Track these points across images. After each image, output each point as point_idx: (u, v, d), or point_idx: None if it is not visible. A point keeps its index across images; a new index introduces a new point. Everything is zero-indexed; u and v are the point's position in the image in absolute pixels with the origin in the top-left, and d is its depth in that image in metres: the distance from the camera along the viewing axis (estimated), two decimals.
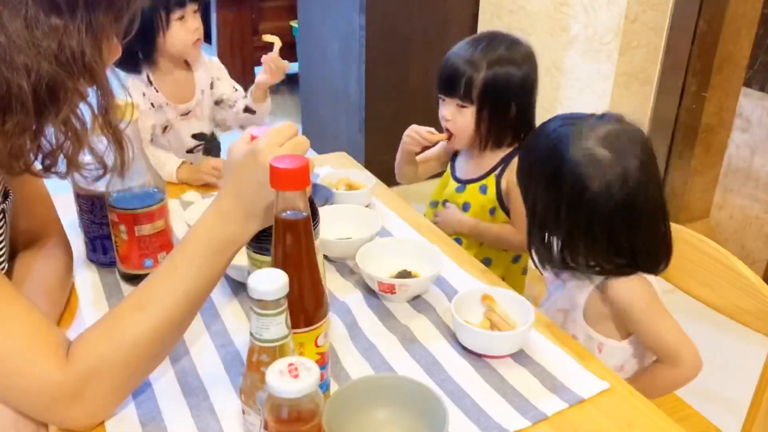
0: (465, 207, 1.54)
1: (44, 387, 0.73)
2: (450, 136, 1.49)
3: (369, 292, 1.08)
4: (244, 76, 3.98)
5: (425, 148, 1.60)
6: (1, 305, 0.74)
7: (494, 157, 1.50)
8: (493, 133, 1.46)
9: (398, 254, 1.12)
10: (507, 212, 1.50)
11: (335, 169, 1.47)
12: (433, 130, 1.53)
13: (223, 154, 1.86)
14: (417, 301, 1.06)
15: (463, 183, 1.55)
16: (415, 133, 1.53)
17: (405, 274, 1.08)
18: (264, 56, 1.66)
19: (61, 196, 1.15)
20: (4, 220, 0.90)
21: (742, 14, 2.36)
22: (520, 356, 0.93)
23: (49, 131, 0.75)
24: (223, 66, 1.75)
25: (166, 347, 0.82)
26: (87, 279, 1.09)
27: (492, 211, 1.51)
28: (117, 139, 0.82)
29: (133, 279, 1.06)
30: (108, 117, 0.79)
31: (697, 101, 2.51)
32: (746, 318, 1.12)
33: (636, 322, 1.06)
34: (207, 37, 3.94)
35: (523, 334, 0.93)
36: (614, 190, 0.99)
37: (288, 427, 0.63)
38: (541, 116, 2.80)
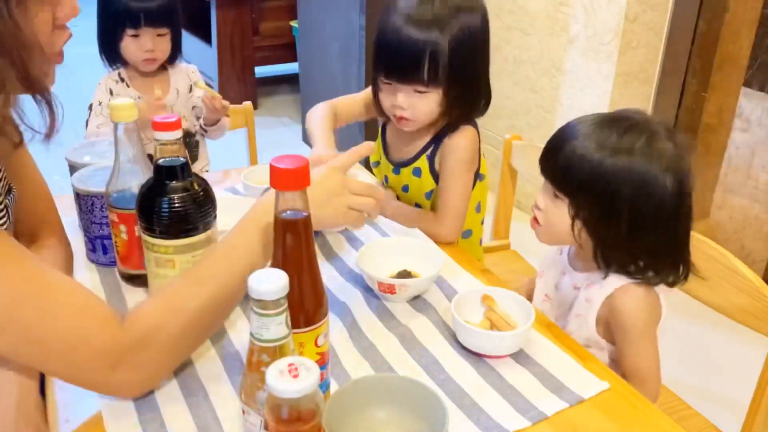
0: (405, 188, 1.38)
1: (100, 353, 0.75)
2: (401, 120, 1.26)
3: (369, 292, 1.08)
4: (244, 76, 3.98)
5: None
6: (53, 283, 0.75)
7: (423, 135, 1.31)
8: (466, 109, 1.26)
9: (398, 254, 1.12)
10: None
11: None
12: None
13: (203, 157, 1.91)
14: (417, 301, 1.06)
15: (397, 166, 1.37)
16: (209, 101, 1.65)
17: (405, 274, 1.08)
18: (203, 98, 1.77)
19: (61, 196, 1.15)
20: (7, 215, 0.90)
21: (742, 14, 2.37)
22: (520, 356, 0.93)
23: None
24: (199, 75, 1.86)
25: (220, 319, 0.87)
26: (87, 279, 1.09)
27: (429, 195, 1.35)
28: (43, 98, 0.78)
29: (133, 279, 1.06)
30: (30, 78, 0.74)
31: (697, 101, 2.51)
32: (746, 318, 1.12)
33: (625, 333, 1.03)
34: (207, 38, 3.94)
35: (523, 334, 0.93)
36: (682, 189, 0.99)
37: (288, 427, 0.63)
38: (541, 116, 2.82)
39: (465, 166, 1.29)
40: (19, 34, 0.71)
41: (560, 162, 1.03)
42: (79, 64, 2.30)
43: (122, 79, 1.76)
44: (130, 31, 1.66)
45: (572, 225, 1.03)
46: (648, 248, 1.01)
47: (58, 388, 0.85)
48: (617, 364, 1.06)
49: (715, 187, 2.61)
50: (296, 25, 3.70)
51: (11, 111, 0.77)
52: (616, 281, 1.03)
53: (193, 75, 1.85)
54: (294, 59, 3.95)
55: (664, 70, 2.44)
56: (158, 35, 1.69)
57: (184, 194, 0.90)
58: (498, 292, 1.01)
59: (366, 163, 1.44)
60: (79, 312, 0.75)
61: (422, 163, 1.33)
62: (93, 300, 0.78)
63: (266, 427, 0.64)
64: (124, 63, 1.75)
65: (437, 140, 1.30)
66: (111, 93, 1.75)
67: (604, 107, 2.40)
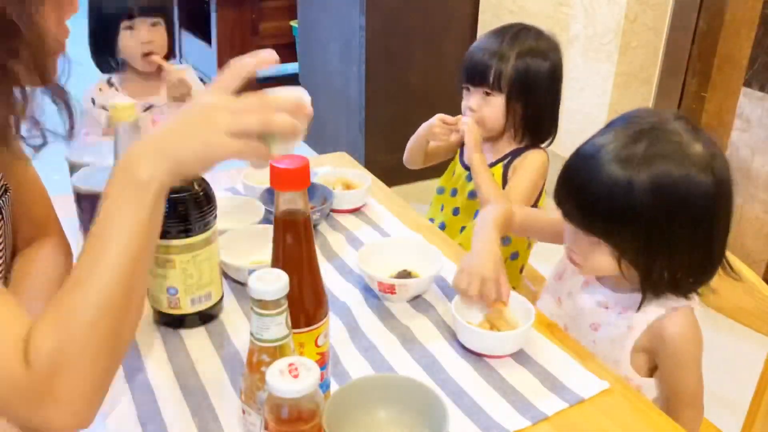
0: (472, 195, 1.52)
1: (13, 391, 0.65)
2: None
3: (369, 292, 1.08)
4: None
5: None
6: None
7: (502, 149, 1.51)
8: (526, 122, 1.46)
9: (398, 254, 1.12)
10: None
11: (334, 168, 1.47)
12: (452, 119, 1.51)
13: None
14: (417, 301, 1.06)
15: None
16: (444, 122, 1.50)
17: (405, 274, 1.08)
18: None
19: (61, 196, 1.15)
20: (1, 216, 0.90)
21: (742, 14, 2.36)
22: (520, 356, 0.93)
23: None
24: (194, 75, 1.81)
25: (122, 321, 0.69)
26: None
27: None
28: (62, 99, 0.77)
29: None
30: (48, 78, 0.73)
31: (697, 101, 2.51)
32: (746, 318, 1.12)
33: (675, 358, 0.98)
34: (206, 38, 3.94)
35: (523, 334, 0.93)
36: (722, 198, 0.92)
37: (288, 427, 0.63)
38: None
39: (533, 177, 1.45)
40: (41, 38, 0.71)
41: (586, 202, 0.93)
42: (80, 64, 2.29)
43: (111, 84, 1.77)
44: (124, 24, 1.67)
45: (619, 266, 0.95)
46: (689, 262, 0.94)
47: None
48: (664, 390, 1.02)
49: None
50: (296, 25, 3.70)
51: (28, 118, 0.75)
52: (658, 308, 0.98)
53: (189, 75, 1.81)
54: (294, 59, 3.95)
55: (664, 70, 2.44)
56: (153, 25, 1.69)
57: (184, 194, 0.90)
58: None
59: (366, 163, 1.44)
60: None
61: (497, 170, 1.50)
62: (4, 326, 0.66)
63: (266, 427, 0.64)
64: (119, 67, 1.76)
65: (513, 155, 1.50)
66: (93, 102, 1.76)
67: (604, 107, 2.40)
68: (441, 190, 1.63)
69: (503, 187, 1.48)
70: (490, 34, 1.47)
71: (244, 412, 0.72)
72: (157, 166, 0.67)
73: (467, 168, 1.53)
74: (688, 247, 0.93)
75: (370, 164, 1.64)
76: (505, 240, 1.49)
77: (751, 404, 1.12)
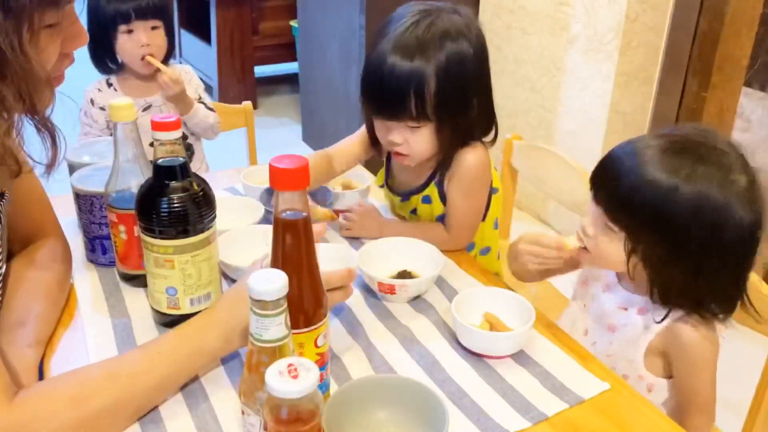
0: (413, 212, 1.32)
1: None
2: (398, 155, 1.20)
3: (369, 292, 1.08)
4: (243, 76, 3.98)
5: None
6: None
7: (429, 163, 1.24)
8: (458, 139, 1.18)
9: (398, 254, 1.12)
10: None
11: None
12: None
13: (197, 160, 1.89)
14: (417, 301, 1.06)
15: (405, 195, 1.31)
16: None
17: (405, 275, 1.08)
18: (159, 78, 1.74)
19: (61, 196, 1.15)
20: None
21: (742, 14, 2.36)
22: (520, 356, 0.93)
23: None
24: (193, 74, 1.86)
25: (123, 421, 0.78)
26: (86, 279, 1.09)
27: (440, 218, 1.28)
28: (47, 131, 0.78)
29: (133, 279, 1.06)
30: (34, 107, 0.75)
31: (697, 101, 2.51)
32: (746, 318, 1.12)
33: (692, 365, 0.97)
34: (206, 38, 3.94)
35: (523, 335, 0.93)
36: (746, 222, 0.90)
37: (288, 427, 0.63)
38: (541, 116, 2.82)
39: (477, 183, 1.23)
40: (29, 67, 0.72)
41: (619, 190, 0.92)
42: (80, 64, 2.29)
43: (110, 85, 1.77)
44: (122, 28, 1.66)
45: (627, 259, 0.95)
46: (711, 286, 0.93)
47: None
48: (677, 394, 1.02)
49: None
50: (296, 25, 3.70)
51: (12, 141, 0.76)
52: (675, 311, 0.97)
53: (186, 75, 1.83)
54: (294, 59, 3.95)
55: (664, 70, 2.44)
56: (152, 28, 1.69)
57: (184, 194, 0.90)
58: (498, 293, 1.01)
59: (366, 163, 1.42)
60: None
61: (431, 190, 1.26)
62: None
63: (266, 428, 0.63)
64: (118, 69, 1.76)
65: (443, 166, 1.23)
66: (92, 103, 1.75)
67: (604, 107, 2.40)
68: (384, 208, 1.39)
69: (444, 202, 1.25)
70: (393, 38, 1.14)
71: (243, 412, 0.72)
72: (221, 345, 0.84)
73: (398, 194, 1.33)
74: (711, 272, 0.92)
75: (370, 164, 1.64)
76: (468, 247, 1.30)
77: (752, 404, 1.12)
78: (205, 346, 0.83)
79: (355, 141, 1.33)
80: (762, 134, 2.40)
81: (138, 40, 1.68)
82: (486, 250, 1.38)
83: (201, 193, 0.92)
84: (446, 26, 1.12)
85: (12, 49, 0.69)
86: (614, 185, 0.94)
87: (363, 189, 1.36)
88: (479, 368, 0.91)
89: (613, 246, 0.96)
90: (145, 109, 1.75)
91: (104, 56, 1.73)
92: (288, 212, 0.71)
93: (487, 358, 0.93)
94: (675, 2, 2.33)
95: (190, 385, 0.86)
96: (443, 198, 1.25)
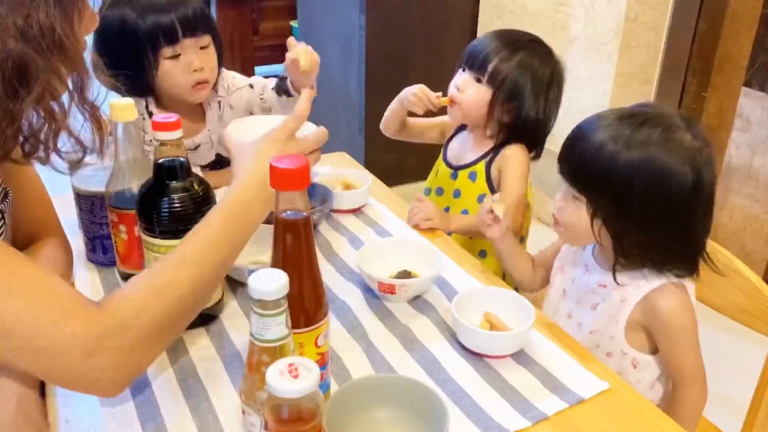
0: (456, 194, 1.50)
1: (72, 338, 0.69)
2: (452, 104, 1.44)
3: (369, 292, 1.08)
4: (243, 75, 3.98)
5: (427, 114, 1.54)
6: (18, 271, 0.70)
7: (483, 145, 1.47)
8: (508, 128, 1.42)
9: (398, 254, 1.12)
10: None
11: (334, 168, 1.47)
12: (440, 94, 1.46)
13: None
14: (417, 301, 1.06)
15: (455, 169, 1.51)
16: (423, 94, 1.46)
17: (405, 275, 1.08)
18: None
19: (61, 196, 1.15)
20: (3, 220, 0.90)
21: (742, 14, 2.36)
22: (520, 356, 0.93)
23: (29, 115, 0.73)
24: (236, 75, 1.49)
25: (199, 305, 0.83)
26: (87, 279, 1.09)
27: (481, 198, 1.47)
28: (95, 117, 0.80)
29: None
30: (84, 94, 0.77)
31: (697, 101, 2.51)
32: (746, 318, 1.12)
33: (672, 333, 1.01)
34: None
35: (523, 335, 0.93)
36: (705, 177, 0.97)
37: (288, 427, 0.63)
38: None
39: (520, 170, 1.43)
40: (81, 52, 0.74)
41: (575, 159, 1.02)
42: None
43: (150, 114, 1.38)
44: (167, 52, 1.29)
45: (591, 224, 1.02)
46: (662, 243, 0.99)
47: (58, 389, 0.85)
48: (665, 367, 1.05)
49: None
50: (296, 25, 3.70)
51: (66, 132, 0.78)
52: (652, 283, 1.01)
53: (230, 89, 1.46)
54: None
55: (664, 70, 2.44)
56: (201, 48, 1.32)
57: (184, 194, 0.90)
58: (498, 292, 1.01)
59: (366, 163, 1.43)
60: (46, 297, 0.70)
61: (480, 167, 1.46)
62: (63, 288, 0.73)
63: (266, 428, 0.64)
64: (153, 95, 1.39)
65: (495, 151, 1.45)
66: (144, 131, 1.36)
67: (604, 107, 2.40)
68: (427, 191, 1.59)
69: (489, 186, 1.46)
70: (502, 35, 1.44)
71: (244, 412, 0.72)
72: (263, 212, 0.86)
73: (451, 166, 1.53)
74: (661, 228, 0.98)
75: (370, 164, 1.64)
76: (480, 253, 1.49)
77: (751, 404, 1.12)
78: (252, 216, 0.85)
79: (432, 119, 1.62)
80: (762, 134, 2.40)
81: (189, 65, 1.31)
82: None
83: (201, 193, 0.92)
84: (536, 65, 1.43)
85: (66, 36, 0.71)
86: (573, 153, 1.03)
87: (363, 189, 1.36)
88: (479, 368, 0.91)
89: (580, 214, 1.03)
90: (193, 149, 1.44)
91: (137, 86, 1.33)
92: (288, 212, 0.71)
93: (487, 357, 0.93)
94: (675, 2, 2.33)
95: (190, 385, 0.86)
96: (488, 178, 1.45)
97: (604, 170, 0.97)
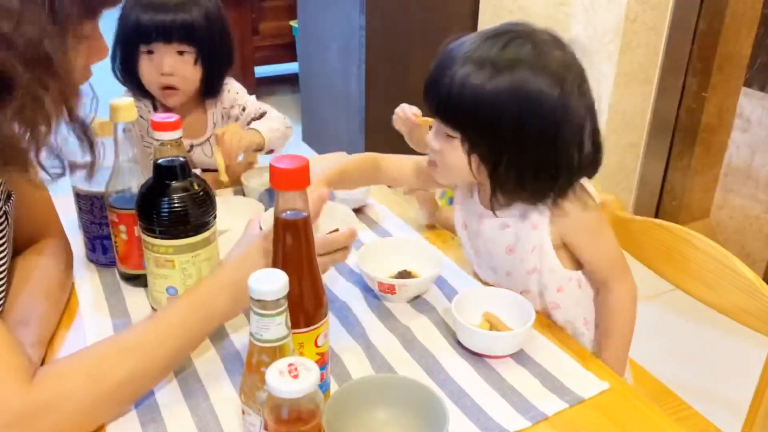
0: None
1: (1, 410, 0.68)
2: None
3: (369, 292, 1.08)
4: (243, 76, 3.98)
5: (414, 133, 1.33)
6: None
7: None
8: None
9: (398, 254, 1.12)
10: None
11: None
12: (417, 111, 1.28)
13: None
14: (417, 301, 1.06)
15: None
16: (401, 110, 1.31)
17: (405, 274, 1.08)
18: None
19: (61, 196, 1.15)
20: (6, 221, 0.90)
21: (742, 14, 2.37)
22: (520, 356, 0.93)
23: (10, 126, 0.72)
24: (242, 90, 1.52)
25: (140, 393, 0.81)
26: (87, 279, 1.09)
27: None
28: (85, 138, 0.80)
29: (133, 279, 1.06)
30: (73, 113, 0.76)
31: (697, 101, 2.51)
32: (746, 318, 1.12)
33: (588, 234, 1.00)
34: None
35: (523, 335, 0.93)
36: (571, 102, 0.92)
37: (288, 427, 0.63)
38: None
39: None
40: (72, 72, 0.74)
41: (442, 93, 0.93)
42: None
43: (155, 108, 1.43)
44: (143, 48, 1.34)
45: (469, 162, 0.95)
46: (546, 170, 0.94)
47: None
48: (589, 272, 1.04)
49: (715, 187, 2.61)
50: (296, 25, 3.70)
51: (50, 148, 0.77)
52: (544, 207, 0.99)
53: (241, 100, 1.50)
54: (294, 59, 3.95)
55: (664, 70, 2.44)
56: (178, 53, 1.34)
57: (184, 194, 0.90)
58: (498, 293, 1.01)
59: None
60: None
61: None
62: (3, 350, 0.71)
63: (266, 428, 0.64)
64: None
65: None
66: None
67: (604, 108, 2.40)
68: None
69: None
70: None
71: (243, 412, 0.72)
72: (230, 307, 0.84)
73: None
74: (533, 150, 0.93)
75: None
76: None
77: (751, 404, 1.12)
78: (215, 311, 0.83)
79: (407, 158, 1.22)
80: (762, 134, 2.40)
81: (158, 65, 1.34)
82: None
83: (201, 193, 0.92)
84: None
85: (55, 51, 0.71)
86: (439, 87, 0.94)
87: (363, 189, 1.36)
88: (479, 368, 0.91)
89: (456, 153, 0.96)
90: (189, 151, 1.47)
91: (130, 76, 1.39)
92: (288, 212, 0.71)
93: (487, 358, 0.93)
94: (675, 2, 2.33)
95: (190, 385, 0.86)
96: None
97: (472, 102, 0.90)
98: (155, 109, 1.42)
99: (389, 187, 1.39)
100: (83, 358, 0.77)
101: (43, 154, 0.76)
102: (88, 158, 0.82)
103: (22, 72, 0.69)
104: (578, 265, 1.05)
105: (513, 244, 1.04)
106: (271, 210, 0.82)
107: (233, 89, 1.50)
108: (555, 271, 1.03)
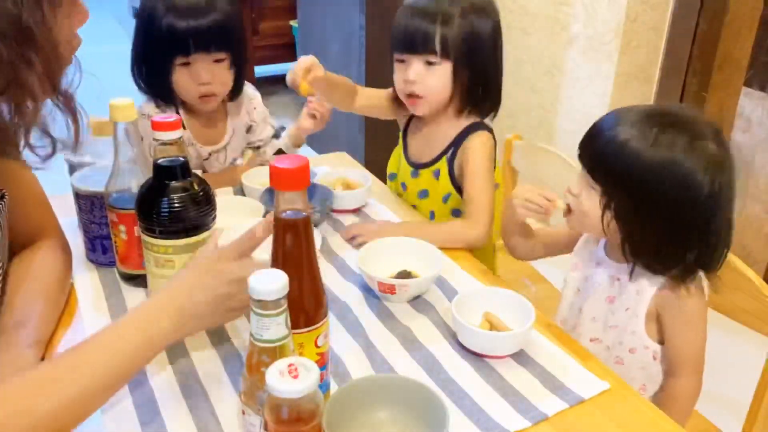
0: (423, 194, 1.39)
1: None
2: (414, 99, 1.29)
3: (369, 292, 1.08)
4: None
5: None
6: None
7: (444, 137, 1.33)
8: (472, 92, 1.29)
9: (398, 254, 1.12)
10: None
11: (333, 168, 1.47)
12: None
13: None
14: (417, 301, 1.06)
15: (417, 167, 1.39)
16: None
17: (405, 274, 1.08)
18: (310, 104, 1.49)
19: (61, 196, 1.15)
20: None
21: (742, 14, 2.36)
22: (520, 356, 0.93)
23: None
24: (264, 108, 1.55)
25: (77, 421, 0.72)
26: (86, 279, 1.09)
27: (446, 198, 1.36)
28: (69, 108, 0.78)
29: (133, 279, 1.06)
30: (55, 82, 0.74)
31: (697, 101, 2.51)
32: (746, 318, 1.12)
33: (684, 317, 1.02)
34: None
35: (523, 335, 0.93)
36: (717, 180, 0.96)
37: (288, 427, 0.63)
38: (541, 116, 2.81)
39: (486, 164, 1.29)
40: (54, 41, 0.72)
41: (597, 148, 1.01)
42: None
43: (178, 114, 1.38)
44: (179, 60, 1.31)
45: (602, 216, 1.00)
46: (674, 247, 0.98)
47: None
48: (667, 356, 1.05)
49: None
50: (296, 25, 3.70)
51: (38, 128, 0.76)
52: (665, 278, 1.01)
53: (259, 114, 1.54)
54: (294, 59, 3.94)
55: (664, 70, 2.44)
56: (215, 61, 1.33)
57: (184, 194, 0.90)
58: (498, 292, 1.01)
59: (366, 163, 1.42)
60: None
61: (442, 164, 1.34)
62: None
63: (266, 428, 0.64)
64: (180, 101, 1.40)
65: (456, 144, 1.32)
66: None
67: (604, 107, 2.40)
68: (392, 176, 1.47)
69: (452, 180, 1.33)
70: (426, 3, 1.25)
71: (243, 412, 0.72)
72: (172, 332, 0.77)
73: (412, 164, 1.40)
74: (672, 230, 0.97)
75: (370, 164, 1.64)
76: None
77: (751, 404, 1.12)
78: (156, 335, 0.76)
79: (381, 91, 1.46)
80: (762, 134, 2.40)
81: (196, 77, 1.32)
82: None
83: (201, 193, 0.92)
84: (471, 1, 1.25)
85: (36, 23, 0.69)
86: (594, 144, 1.01)
87: (363, 189, 1.36)
88: (479, 368, 0.91)
89: (592, 203, 1.02)
90: (206, 159, 1.48)
91: (158, 85, 1.36)
92: (288, 212, 0.71)
93: (487, 358, 0.93)
94: (675, 2, 2.33)
95: (190, 385, 0.86)
96: (452, 176, 1.33)
97: (625, 164, 0.96)
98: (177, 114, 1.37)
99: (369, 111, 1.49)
100: (11, 391, 0.70)
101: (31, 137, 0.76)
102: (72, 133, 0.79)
103: (3, 49, 0.68)
104: (661, 340, 1.06)
105: (615, 296, 1.07)
106: (232, 227, 0.81)
107: (254, 96, 1.53)
108: (635, 334, 1.04)
